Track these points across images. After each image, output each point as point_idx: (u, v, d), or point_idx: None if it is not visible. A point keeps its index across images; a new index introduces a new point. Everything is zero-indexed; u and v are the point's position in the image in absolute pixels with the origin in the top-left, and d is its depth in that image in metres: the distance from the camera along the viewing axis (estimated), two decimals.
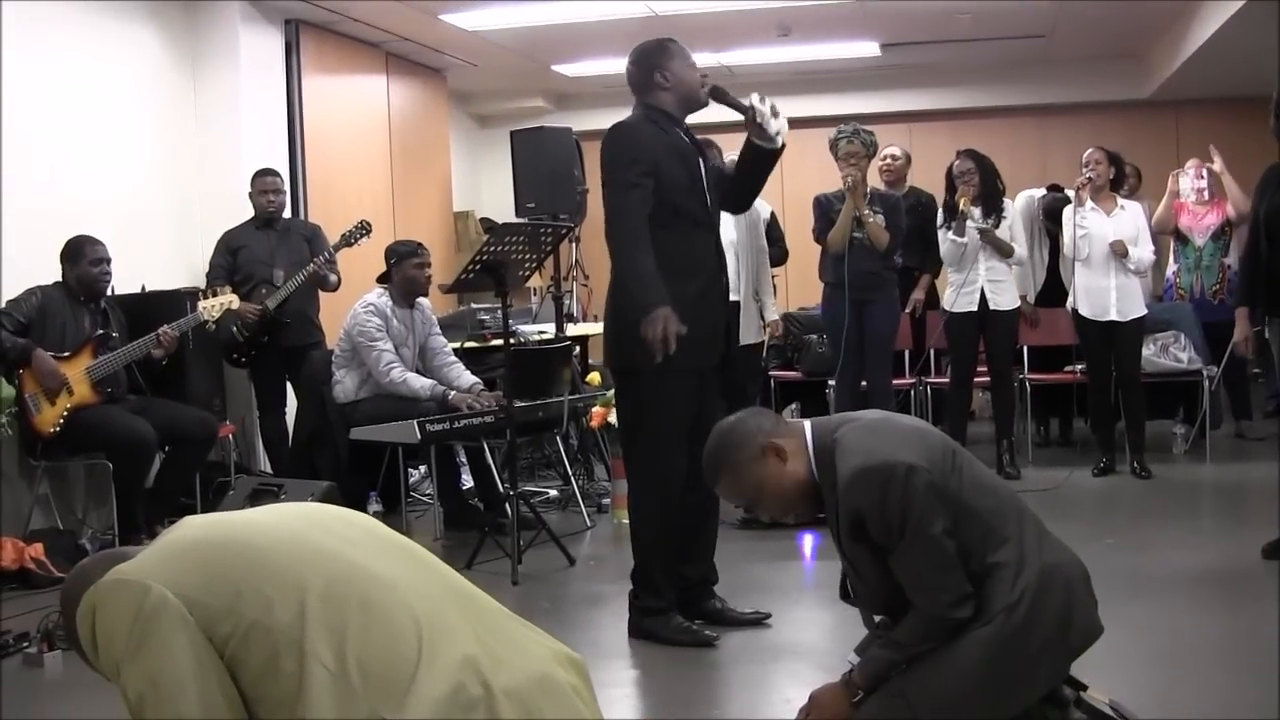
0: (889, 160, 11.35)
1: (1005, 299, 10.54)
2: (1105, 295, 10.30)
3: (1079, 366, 11.27)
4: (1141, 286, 10.60)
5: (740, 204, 6.95)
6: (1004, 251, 10.46)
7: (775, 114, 6.42)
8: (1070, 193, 11.37)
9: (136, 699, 3.24)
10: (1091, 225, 10.27)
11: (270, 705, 3.24)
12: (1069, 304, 10.63)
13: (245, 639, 3.23)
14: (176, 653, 3.20)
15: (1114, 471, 10.44)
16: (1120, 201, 10.47)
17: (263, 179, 10.24)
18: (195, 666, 3.20)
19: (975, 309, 10.46)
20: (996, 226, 10.45)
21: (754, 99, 6.41)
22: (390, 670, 3.24)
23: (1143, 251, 10.40)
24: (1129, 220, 10.40)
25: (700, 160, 6.48)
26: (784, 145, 6.54)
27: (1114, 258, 10.25)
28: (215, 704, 3.21)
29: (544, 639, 3.71)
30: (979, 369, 10.96)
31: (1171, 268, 12.02)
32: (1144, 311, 10.56)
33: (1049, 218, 11.45)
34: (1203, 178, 11.81)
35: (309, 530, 3.56)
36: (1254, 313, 7.92)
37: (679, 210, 6.28)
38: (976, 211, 10.42)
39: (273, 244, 10.11)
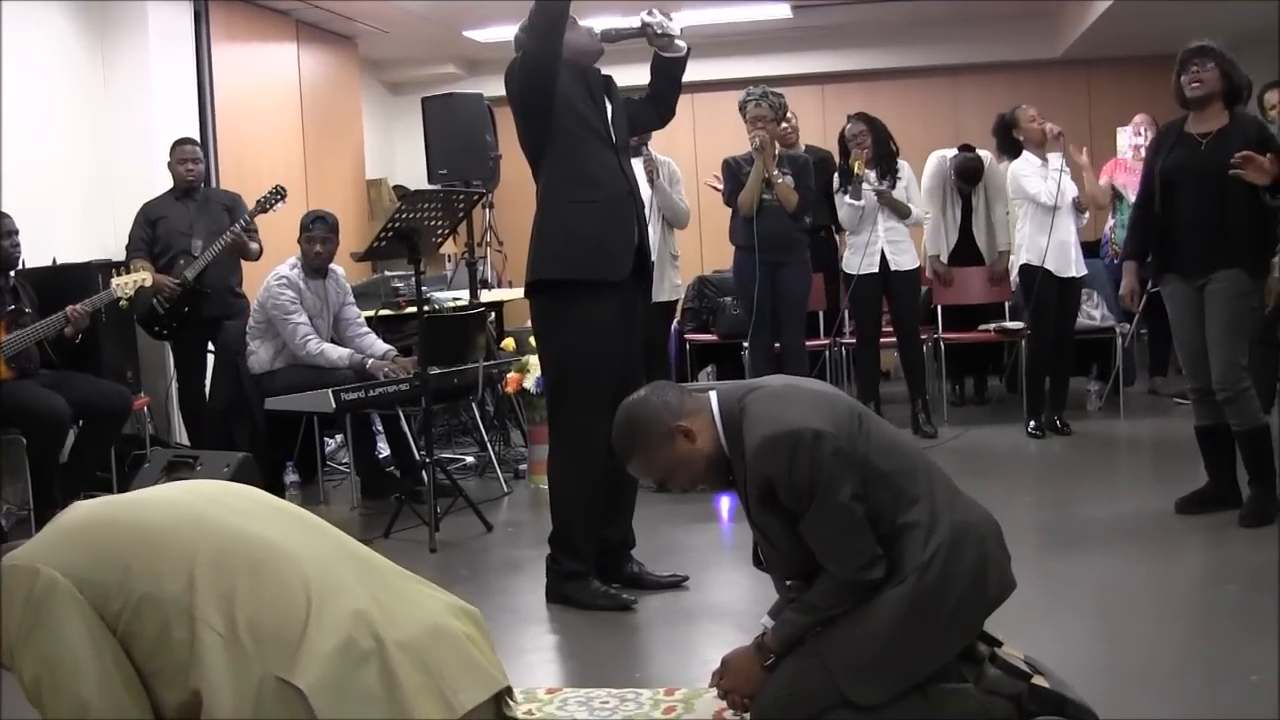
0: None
1: (905, 259, 10.64)
2: (1069, 251, 10.40)
3: (993, 325, 11.34)
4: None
5: (664, 110, 6.90)
6: (901, 213, 10.55)
7: (669, 18, 6.53)
8: (985, 153, 11.47)
9: (33, 682, 3.23)
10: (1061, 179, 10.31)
11: (166, 676, 3.24)
12: (1023, 260, 10.62)
13: (137, 613, 3.23)
14: (70, 633, 3.19)
15: (1044, 432, 10.50)
16: (1054, 161, 10.51)
17: (181, 148, 10.13)
18: (90, 645, 3.20)
19: (876, 270, 10.54)
20: (892, 188, 10.52)
21: (644, 16, 6.50)
22: (280, 629, 3.25)
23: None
24: (1067, 178, 10.47)
25: (605, 92, 6.57)
26: (689, 49, 6.65)
27: (1072, 213, 10.36)
28: (111, 680, 3.21)
29: (438, 593, 3.73)
30: (887, 330, 11.03)
31: (1109, 224, 12.09)
32: (1086, 270, 10.71)
33: (961, 177, 11.47)
34: (1141, 134, 11.84)
35: (196, 503, 3.57)
36: (1142, 267, 7.99)
37: (583, 120, 6.37)
38: (872, 174, 10.49)
39: (192, 214, 9.99)
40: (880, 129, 10.66)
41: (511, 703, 3.75)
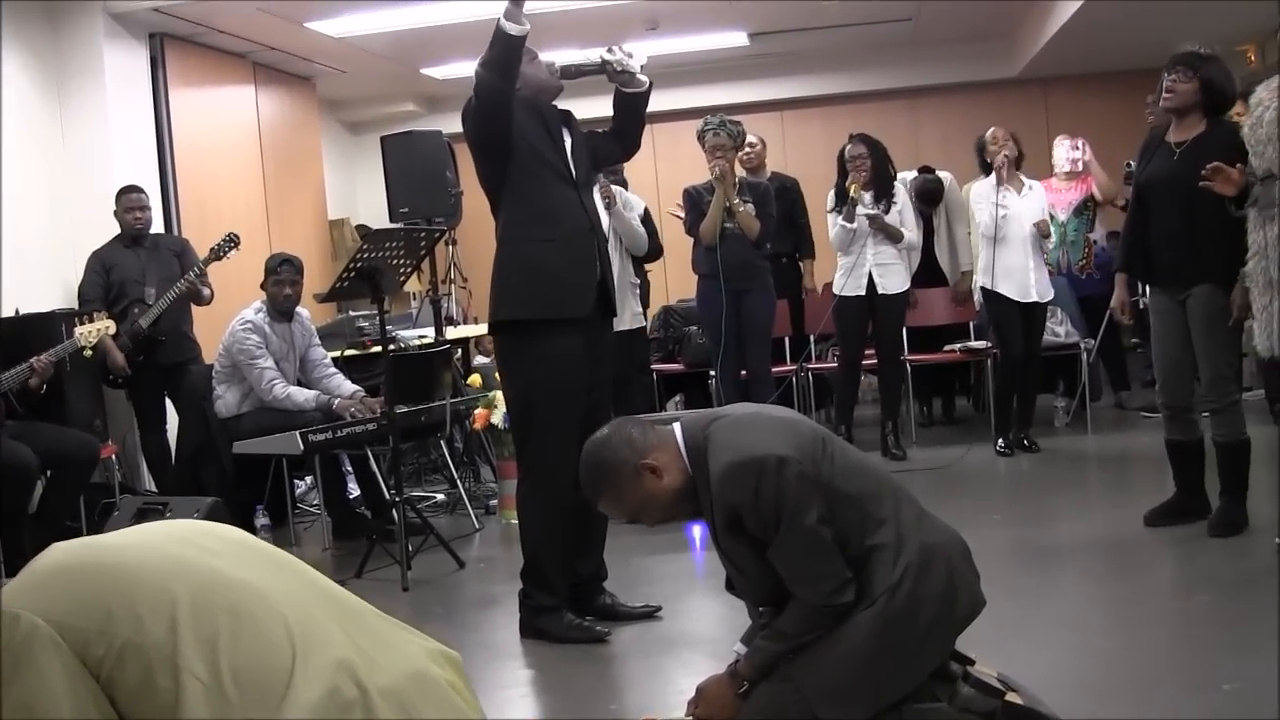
0: (746, 150, 11.35)
1: (893, 282, 10.62)
2: (1026, 276, 10.38)
3: (958, 345, 11.37)
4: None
5: (628, 144, 6.92)
6: (893, 237, 10.54)
7: (630, 55, 6.52)
8: (945, 175, 11.51)
9: None
10: (1009, 205, 10.34)
11: None
12: (978, 283, 10.68)
13: (119, 659, 3.19)
14: (51, 679, 3.16)
15: (1012, 450, 10.51)
16: (1027, 181, 10.55)
17: (127, 196, 10.11)
18: (70, 692, 3.16)
19: (863, 292, 10.54)
20: (887, 212, 10.51)
21: (603, 54, 6.51)
22: (265, 677, 3.21)
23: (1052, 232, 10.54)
24: (1037, 200, 10.51)
25: (564, 127, 6.58)
26: (651, 83, 6.65)
27: (1032, 238, 10.34)
28: None
29: (418, 638, 3.71)
30: (867, 352, 11.01)
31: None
32: (1053, 293, 10.74)
33: (921, 199, 11.50)
34: (1078, 148, 11.87)
35: (173, 545, 3.53)
36: (1132, 280, 8.01)
37: (540, 157, 6.38)
38: (867, 197, 10.47)
39: (143, 261, 9.96)
40: (880, 151, 10.66)
41: None
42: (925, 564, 4.21)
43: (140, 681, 3.19)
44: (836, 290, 10.71)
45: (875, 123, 14.74)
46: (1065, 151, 11.94)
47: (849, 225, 10.45)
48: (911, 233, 10.79)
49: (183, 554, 3.49)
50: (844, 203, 10.51)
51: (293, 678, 3.22)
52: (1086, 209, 11.81)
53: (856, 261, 10.53)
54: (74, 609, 3.25)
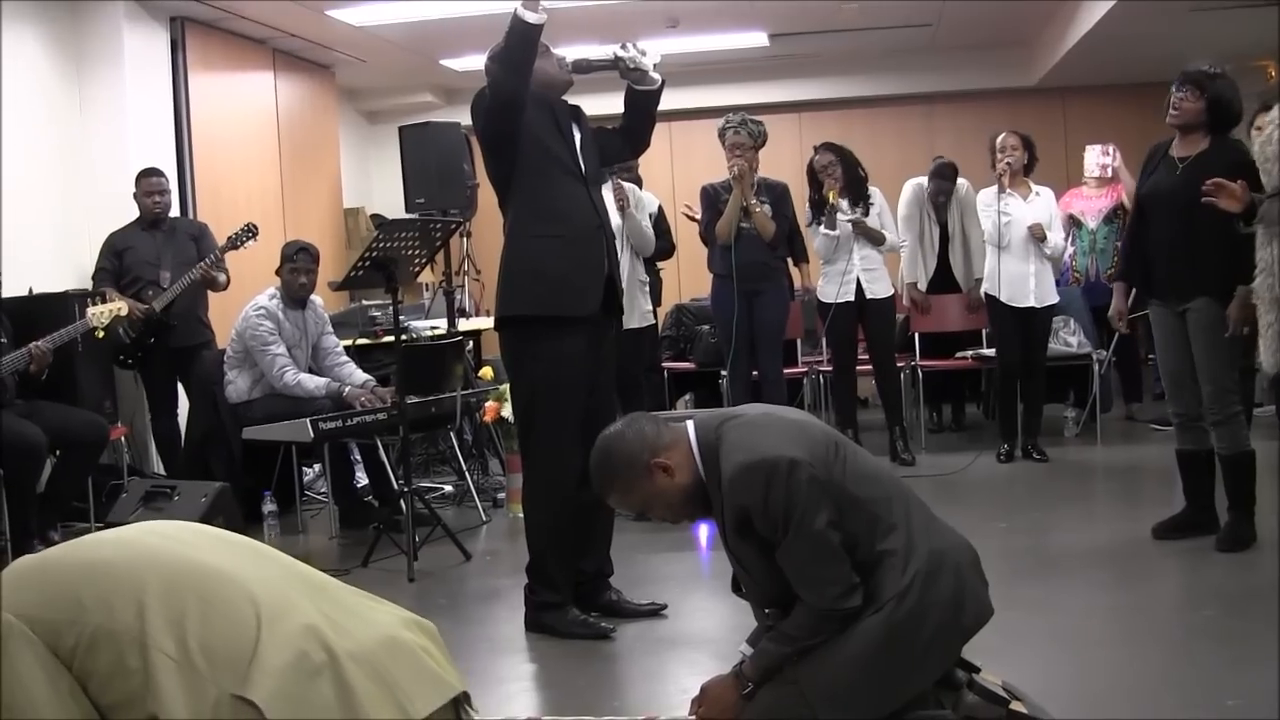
0: None
1: (881, 287, 10.64)
2: (1025, 282, 10.35)
3: (970, 352, 11.35)
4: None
5: (637, 142, 6.91)
6: (875, 240, 10.55)
7: (643, 53, 6.49)
8: (962, 182, 11.46)
9: None
10: (1012, 212, 10.34)
11: (123, 708, 3.23)
12: (983, 290, 10.67)
13: (91, 647, 3.23)
14: (24, 672, 3.18)
15: (1014, 458, 10.50)
16: (1035, 187, 10.53)
17: (147, 179, 10.11)
18: (45, 683, 3.19)
19: (853, 299, 10.54)
20: (865, 215, 10.52)
21: (617, 50, 6.47)
22: (232, 649, 3.25)
23: (1057, 237, 10.51)
24: (1044, 206, 10.48)
25: (574, 122, 6.55)
26: (663, 81, 6.61)
27: (1032, 243, 10.32)
28: (69, 715, 3.19)
29: (390, 608, 3.74)
30: (863, 357, 11.05)
31: (1068, 251, 12.07)
32: (1057, 298, 10.67)
33: (940, 176, 11.35)
34: (1109, 154, 11.86)
35: (144, 538, 3.60)
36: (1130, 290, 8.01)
37: (549, 152, 6.34)
38: (844, 203, 10.47)
39: (159, 245, 9.98)
40: (849, 157, 10.65)
41: (470, 709, 3.74)
42: (934, 571, 4.21)
43: (113, 666, 3.23)
44: (826, 299, 10.72)
45: (892, 127, 14.81)
46: (1096, 157, 11.94)
47: (831, 233, 10.44)
48: (892, 234, 10.84)
49: (155, 544, 3.56)
50: (821, 213, 10.51)
51: (259, 646, 3.26)
52: (1117, 217, 11.76)
53: (845, 269, 10.52)
54: (44, 601, 3.30)
